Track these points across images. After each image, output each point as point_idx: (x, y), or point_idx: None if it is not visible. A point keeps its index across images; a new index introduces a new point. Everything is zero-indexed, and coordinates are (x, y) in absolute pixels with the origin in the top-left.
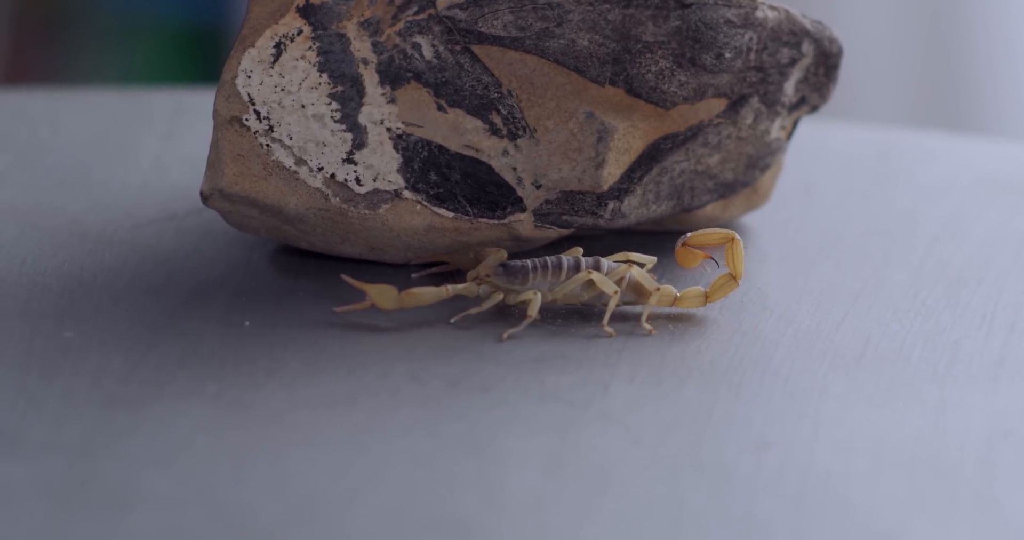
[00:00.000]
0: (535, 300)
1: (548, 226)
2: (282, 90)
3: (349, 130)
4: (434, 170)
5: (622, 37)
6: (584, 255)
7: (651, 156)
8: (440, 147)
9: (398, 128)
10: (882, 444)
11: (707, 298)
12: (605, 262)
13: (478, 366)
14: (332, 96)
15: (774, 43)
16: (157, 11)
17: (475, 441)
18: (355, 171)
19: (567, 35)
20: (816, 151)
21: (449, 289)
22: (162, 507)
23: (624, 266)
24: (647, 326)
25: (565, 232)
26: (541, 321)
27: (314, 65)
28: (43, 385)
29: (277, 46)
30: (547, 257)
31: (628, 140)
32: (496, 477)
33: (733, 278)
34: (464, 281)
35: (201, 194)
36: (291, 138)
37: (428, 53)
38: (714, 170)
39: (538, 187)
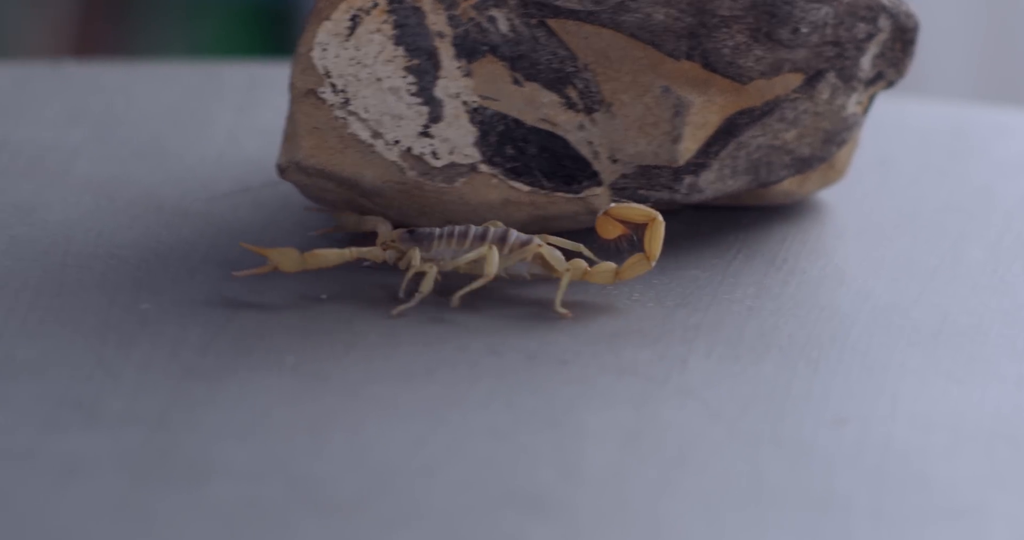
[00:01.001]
0: (429, 274)
1: (624, 201)
2: (358, 63)
3: (425, 103)
4: (510, 144)
5: (698, 11)
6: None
7: (728, 131)
8: (516, 121)
9: (474, 101)
10: (961, 420)
11: (617, 275)
12: (514, 234)
13: (555, 339)
14: (408, 69)
15: (851, 18)
16: None
17: (553, 414)
18: (431, 144)
19: (643, 9)
20: (892, 126)
21: (353, 251)
22: (239, 479)
23: (534, 242)
24: (561, 310)
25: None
26: (617, 295)
27: (390, 38)
28: (121, 357)
29: (353, 19)
30: (454, 225)
31: (704, 115)
32: (573, 451)
33: (647, 258)
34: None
35: (278, 167)
36: (367, 111)
37: (504, 26)
38: (791, 145)
39: (614, 161)
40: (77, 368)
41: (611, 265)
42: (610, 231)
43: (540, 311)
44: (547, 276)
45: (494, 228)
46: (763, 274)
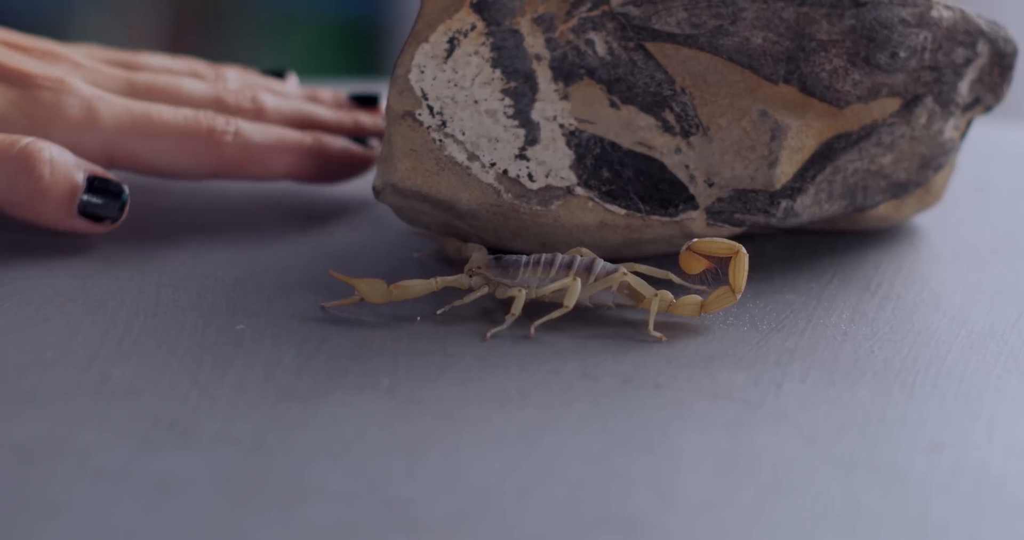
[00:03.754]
0: (519, 298)
1: (720, 224)
2: (455, 85)
3: (522, 126)
4: (606, 167)
5: (796, 35)
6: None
7: (824, 155)
8: (613, 144)
9: (571, 124)
10: None
11: (703, 308)
12: (600, 263)
13: (650, 363)
14: (505, 92)
15: (949, 43)
16: (314, 4)
17: (647, 438)
18: (527, 167)
19: (741, 33)
20: (988, 151)
21: (439, 281)
22: (334, 501)
23: (620, 270)
24: (655, 334)
25: (737, 230)
26: (711, 318)
27: (487, 60)
28: (216, 378)
29: (451, 41)
30: (541, 254)
31: (801, 139)
32: (668, 475)
33: (732, 291)
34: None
35: (374, 189)
36: (464, 133)
37: (601, 50)
38: (887, 170)
39: (710, 185)
40: (172, 388)
41: (696, 298)
42: (694, 266)
43: (633, 334)
44: (632, 305)
45: (580, 257)
46: (858, 299)
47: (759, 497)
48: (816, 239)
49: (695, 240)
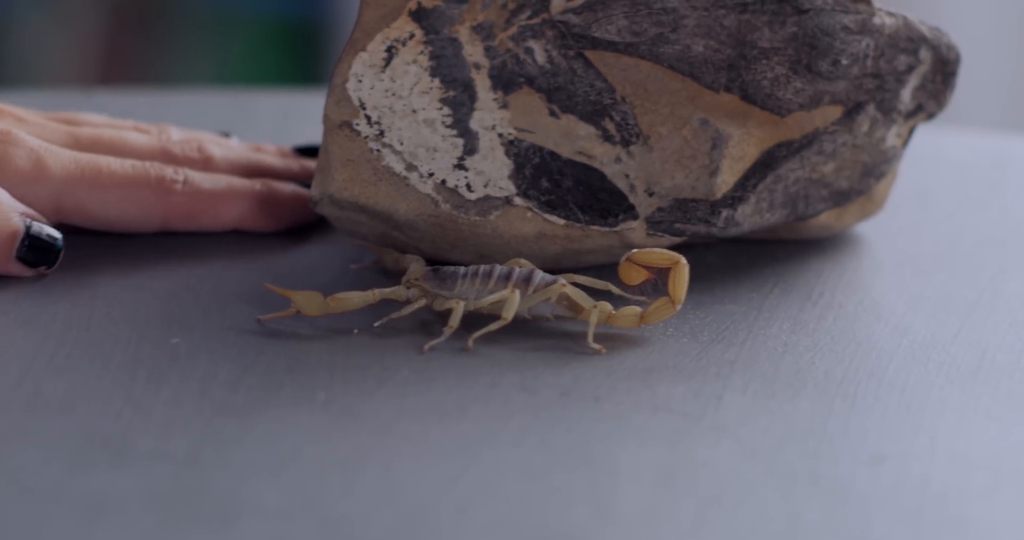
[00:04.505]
0: (457, 310)
1: (660, 234)
2: (393, 95)
3: (460, 135)
4: (546, 176)
5: (738, 43)
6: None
7: (766, 164)
8: (552, 153)
9: (510, 134)
10: (1000, 459)
11: (642, 319)
12: (539, 274)
13: (589, 375)
14: (444, 101)
15: (891, 50)
16: (253, 5)
17: (586, 452)
18: (466, 177)
19: (682, 40)
20: (931, 158)
21: (376, 293)
22: (271, 518)
23: (559, 281)
24: (594, 345)
25: (677, 240)
26: (651, 330)
27: (426, 69)
28: (150, 393)
29: (389, 50)
30: (479, 265)
31: (743, 147)
32: (608, 490)
33: (672, 303)
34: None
35: (311, 200)
36: (402, 143)
37: (541, 58)
38: (829, 178)
39: (651, 195)
40: (106, 404)
41: (636, 309)
42: (633, 277)
43: (572, 346)
44: (571, 317)
45: (519, 268)
46: (799, 309)
47: (700, 511)
48: (757, 248)
49: (635, 251)
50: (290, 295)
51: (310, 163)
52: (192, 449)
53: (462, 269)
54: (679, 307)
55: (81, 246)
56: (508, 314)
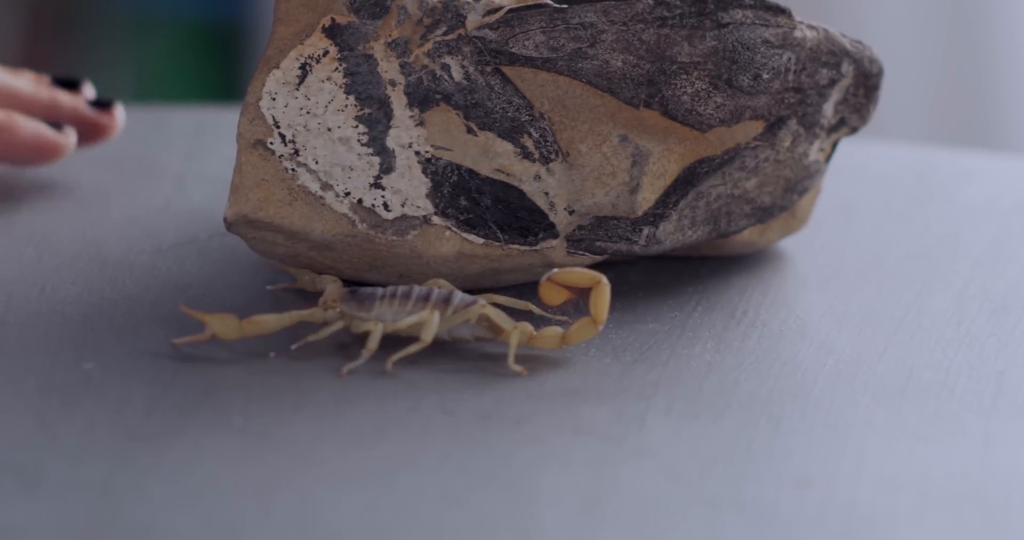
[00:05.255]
0: (375, 332)
1: (581, 253)
2: (308, 113)
3: (376, 154)
4: (464, 195)
5: (657, 58)
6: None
7: (687, 180)
8: (470, 171)
9: (427, 152)
10: (928, 480)
11: (564, 340)
12: (458, 295)
13: (510, 398)
14: (359, 119)
15: (813, 63)
16: (172, 6)
17: (508, 477)
18: (383, 196)
19: (600, 56)
20: (853, 171)
21: (293, 315)
22: None
23: (479, 302)
24: (515, 367)
25: (598, 258)
26: (572, 350)
27: (340, 87)
28: (63, 419)
29: (303, 67)
30: (397, 286)
31: (663, 164)
32: (530, 515)
33: (594, 322)
34: (309, 307)
35: (225, 220)
36: (317, 162)
37: (458, 74)
38: (751, 194)
39: (571, 212)
40: (18, 432)
41: (557, 330)
42: (554, 297)
43: (493, 367)
44: (492, 338)
45: (439, 289)
46: (723, 327)
47: (623, 536)
48: (679, 265)
49: (555, 270)
50: (205, 318)
51: (63, 95)
52: (107, 477)
53: (380, 290)
54: (601, 327)
55: None
56: (427, 336)
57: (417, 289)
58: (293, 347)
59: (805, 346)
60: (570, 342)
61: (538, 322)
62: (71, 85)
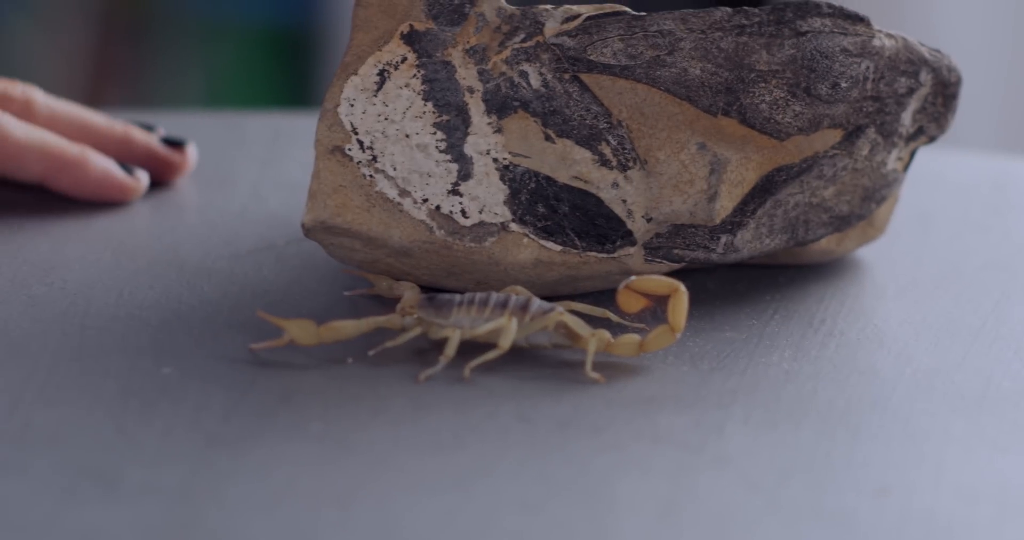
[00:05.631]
0: (453, 338)
1: (659, 260)
2: (386, 119)
3: (455, 161)
4: (542, 202)
5: (735, 66)
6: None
7: (765, 188)
8: (548, 178)
9: (505, 159)
10: (1006, 490)
11: (641, 348)
12: (536, 302)
13: (588, 405)
14: (437, 125)
15: (891, 72)
16: (243, 12)
17: (586, 485)
18: (460, 203)
19: (679, 64)
20: (931, 181)
21: (371, 321)
22: None
23: (556, 309)
24: (593, 375)
25: (676, 266)
26: (650, 358)
27: (419, 93)
28: (141, 423)
29: (381, 74)
30: (475, 292)
31: (741, 172)
32: (608, 524)
33: (671, 330)
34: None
35: (303, 226)
36: (395, 168)
37: (536, 82)
38: (829, 203)
39: (648, 220)
40: (97, 437)
41: (635, 337)
42: (632, 304)
43: (571, 374)
44: (568, 345)
45: (516, 296)
46: (800, 336)
47: None
48: (757, 273)
49: (633, 278)
50: (283, 324)
51: (137, 131)
52: (184, 482)
53: (457, 297)
54: (679, 335)
55: (70, 273)
56: (505, 343)
57: (495, 296)
58: (371, 353)
59: (883, 355)
60: (648, 350)
61: (615, 329)
62: (146, 128)
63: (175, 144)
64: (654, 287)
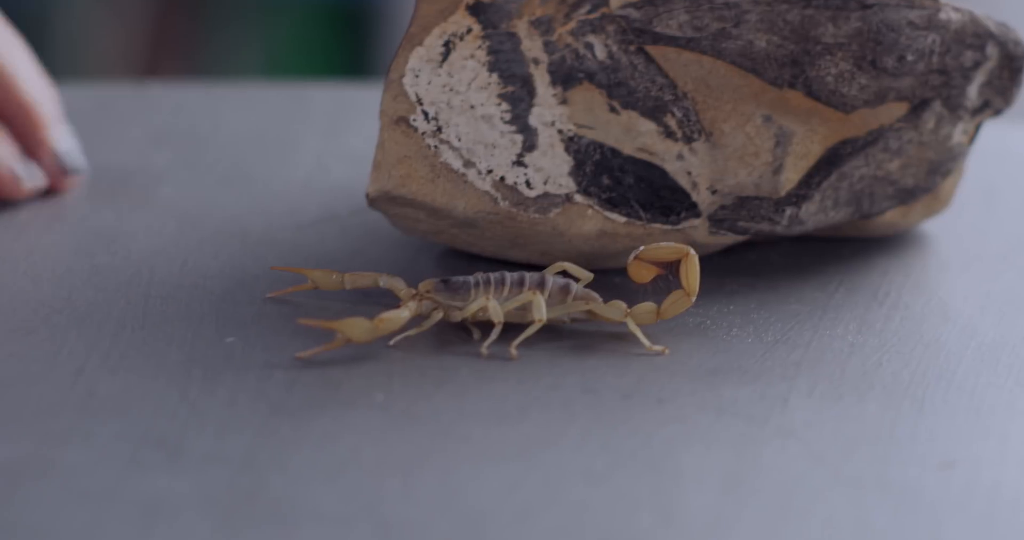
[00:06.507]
0: (491, 307)
1: (724, 232)
2: (451, 90)
3: (519, 132)
4: (606, 173)
5: (801, 38)
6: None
7: (830, 161)
8: (613, 150)
9: (570, 130)
10: None
11: (659, 314)
12: (551, 279)
13: (652, 377)
14: (502, 96)
15: (958, 45)
16: None
17: (650, 456)
18: (525, 174)
19: (744, 36)
20: (997, 154)
21: (412, 306)
22: (328, 523)
23: (573, 287)
24: (656, 347)
25: (741, 238)
26: (715, 329)
27: (484, 64)
28: (206, 393)
29: (446, 45)
30: (489, 273)
31: (807, 145)
32: (672, 495)
33: (687, 294)
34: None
35: (367, 196)
36: (459, 139)
37: (601, 53)
38: (894, 175)
39: (713, 192)
40: (161, 404)
41: (652, 305)
42: (644, 275)
43: (634, 346)
44: (587, 319)
45: (530, 274)
46: (865, 309)
47: (766, 518)
48: (821, 246)
49: (641, 248)
50: (335, 326)
51: (52, 139)
52: (248, 451)
53: (472, 278)
54: (694, 298)
55: (134, 242)
56: (540, 314)
57: (509, 275)
58: (391, 343)
59: (948, 328)
60: (665, 316)
61: (606, 295)
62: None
63: (69, 170)
64: (664, 254)
